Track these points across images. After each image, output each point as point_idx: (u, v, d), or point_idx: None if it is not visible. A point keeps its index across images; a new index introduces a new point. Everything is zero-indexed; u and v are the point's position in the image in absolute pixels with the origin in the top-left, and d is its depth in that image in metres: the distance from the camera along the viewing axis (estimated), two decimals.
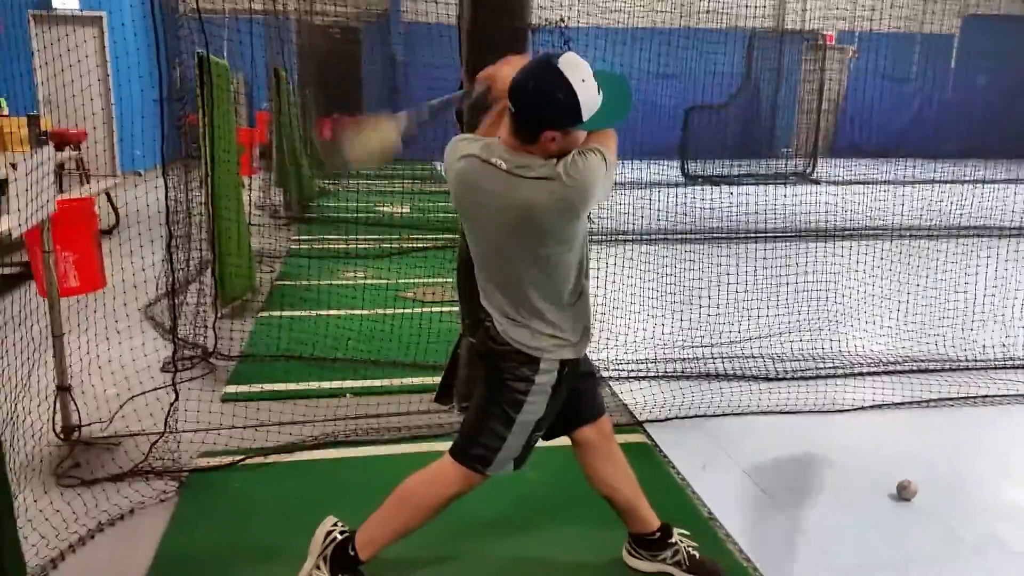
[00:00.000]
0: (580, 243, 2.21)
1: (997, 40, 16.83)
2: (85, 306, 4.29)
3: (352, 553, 2.45)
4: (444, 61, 7.73)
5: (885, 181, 12.26)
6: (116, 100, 12.31)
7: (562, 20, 4.07)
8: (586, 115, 2.05)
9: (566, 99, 2.01)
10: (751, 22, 14.87)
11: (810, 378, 4.49)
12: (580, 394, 2.49)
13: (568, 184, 2.04)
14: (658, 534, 2.63)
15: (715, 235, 8.33)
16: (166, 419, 3.41)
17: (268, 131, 10.30)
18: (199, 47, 4.89)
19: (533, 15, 3.78)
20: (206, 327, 4.76)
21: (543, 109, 2.04)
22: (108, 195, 8.08)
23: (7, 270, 6.19)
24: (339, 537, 2.49)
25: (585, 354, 2.48)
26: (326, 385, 4.23)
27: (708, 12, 12.50)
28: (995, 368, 4.71)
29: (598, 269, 5.54)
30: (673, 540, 2.64)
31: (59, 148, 8.09)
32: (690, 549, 2.65)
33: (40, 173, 2.99)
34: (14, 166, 2.76)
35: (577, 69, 2.03)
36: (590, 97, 2.04)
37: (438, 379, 4.07)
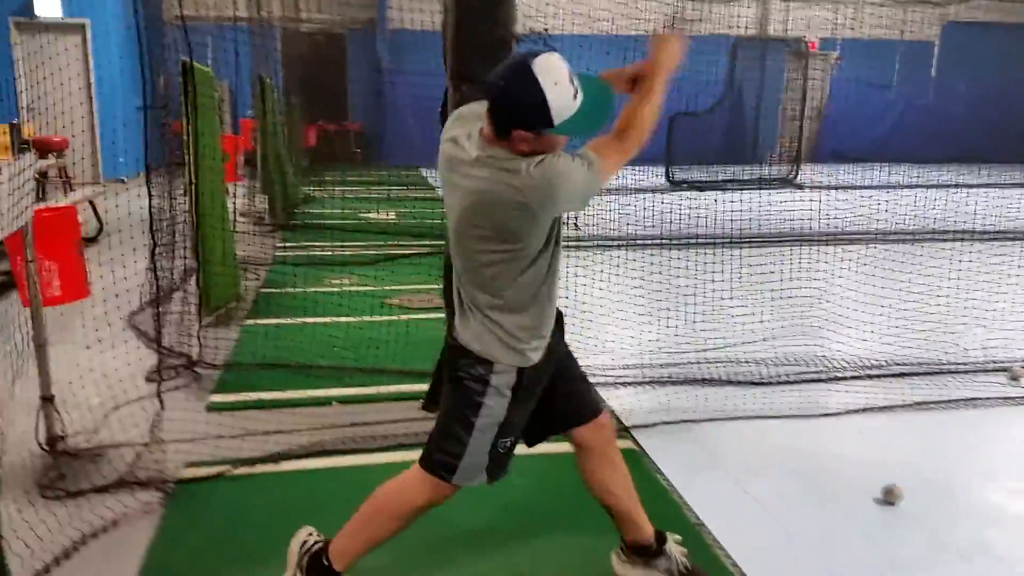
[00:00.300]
0: (536, 247, 2.12)
1: (977, 47, 17.04)
2: (68, 315, 4.26)
3: (326, 563, 2.40)
4: (429, 68, 7.75)
5: (867, 186, 12.37)
6: (99, 107, 12.26)
7: (545, 30, 4.07)
8: (557, 119, 1.99)
9: (536, 102, 1.97)
10: (734, 30, 14.99)
11: (796, 382, 4.51)
12: (567, 397, 2.44)
13: (527, 180, 1.99)
14: (653, 542, 2.59)
15: (700, 240, 8.36)
16: (151, 429, 3.39)
17: (252, 138, 10.27)
18: (183, 54, 4.88)
19: (518, 24, 3.79)
20: (191, 336, 4.74)
21: (513, 109, 2.00)
22: (92, 203, 8.02)
23: None
24: (314, 548, 2.45)
25: (568, 356, 2.47)
26: (312, 393, 4.22)
27: (692, 20, 12.56)
28: (978, 371, 4.75)
29: (584, 276, 5.57)
30: (667, 547, 2.62)
31: (42, 155, 8.03)
32: (683, 558, 2.63)
33: (20, 180, 2.97)
34: None
35: (551, 72, 1.98)
36: (563, 102, 1.99)
37: (425, 386, 4.07)
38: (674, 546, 2.65)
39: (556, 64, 2.00)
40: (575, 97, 2.02)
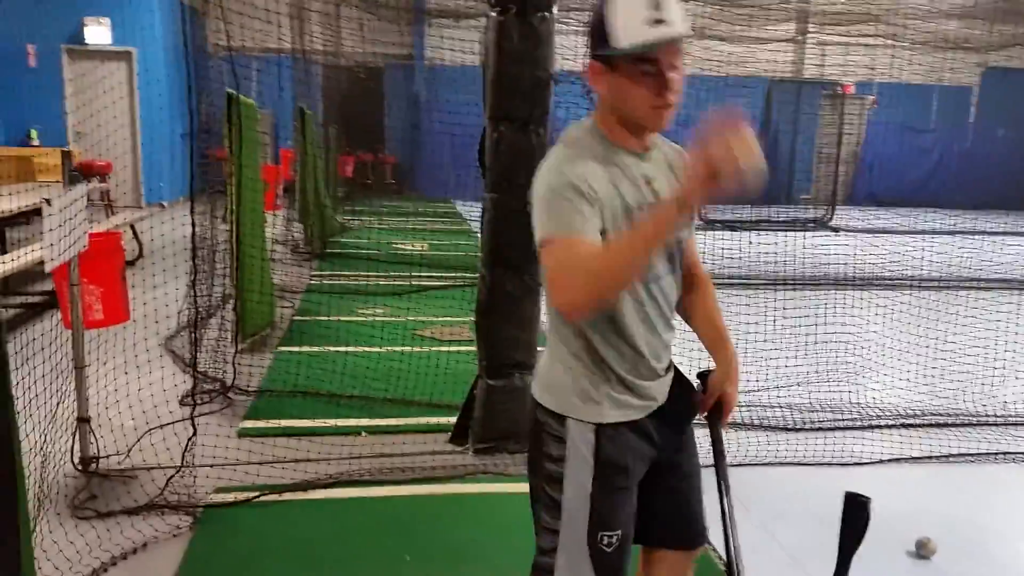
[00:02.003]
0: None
1: (1017, 93, 16.89)
2: (106, 337, 4.34)
3: None
4: (464, 102, 7.86)
5: (904, 231, 12.23)
6: (143, 133, 12.57)
7: (584, 71, 4.11)
8: (616, 38, 1.59)
9: (596, 12, 1.64)
10: (769, 72, 15.02)
11: (828, 429, 4.45)
12: (673, 496, 1.96)
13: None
14: None
15: (733, 281, 8.32)
16: (183, 454, 3.43)
17: (292, 168, 10.46)
18: (227, 85, 5.00)
19: (555, 64, 3.85)
20: (226, 361, 4.80)
21: (588, 36, 1.69)
22: (132, 227, 8.20)
23: (32, 299, 6.27)
24: None
25: (688, 443, 1.99)
26: (342, 423, 4.24)
27: (728, 62, 12.64)
28: (1016, 424, 4.65)
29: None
30: None
31: (86, 179, 8.25)
32: None
33: (73, 210, 3.06)
34: (48, 201, 2.83)
35: None
36: (627, 12, 1.59)
37: (454, 419, 4.08)
38: None
39: None
40: (655, 23, 1.57)
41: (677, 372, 1.97)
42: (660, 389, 1.87)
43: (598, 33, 1.63)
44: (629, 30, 1.58)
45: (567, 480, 1.77)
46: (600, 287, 1.57)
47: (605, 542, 1.79)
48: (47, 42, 12.00)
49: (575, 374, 1.77)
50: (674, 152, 1.86)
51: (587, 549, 1.79)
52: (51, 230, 2.94)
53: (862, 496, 1.90)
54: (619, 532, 1.80)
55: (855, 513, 1.85)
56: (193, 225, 4.00)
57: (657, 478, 1.90)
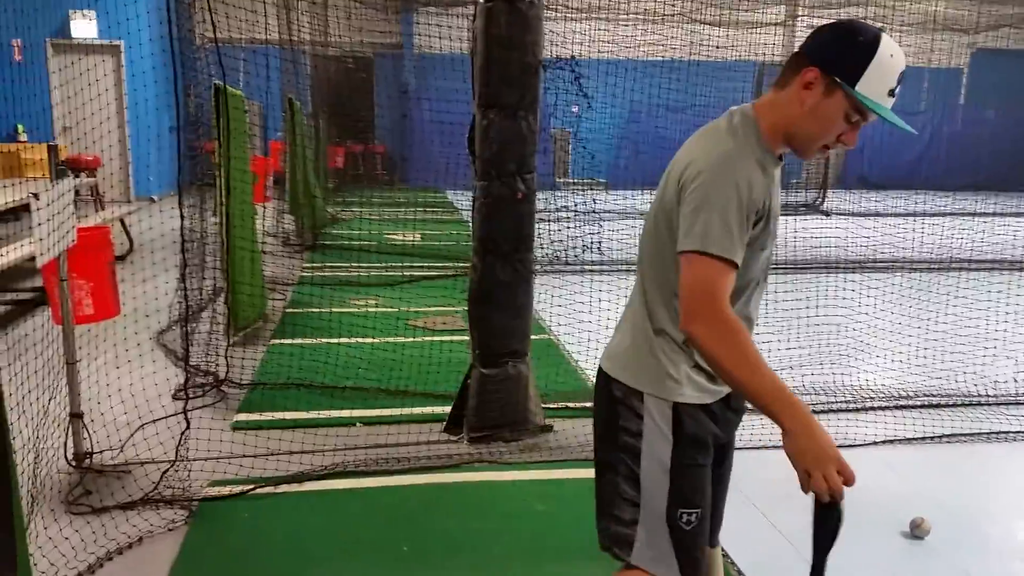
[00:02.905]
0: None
1: (1006, 74, 16.91)
2: (97, 332, 4.33)
3: None
4: (454, 91, 7.83)
5: (895, 213, 12.26)
6: (131, 127, 12.49)
7: (572, 56, 4.11)
8: (864, 85, 1.63)
9: (859, 43, 1.63)
10: (760, 55, 14.98)
11: (821, 412, 4.46)
12: (717, 487, 1.98)
13: (688, 166, 1.71)
14: None
15: None
16: (177, 448, 3.42)
17: (282, 160, 10.41)
18: (215, 77, 4.96)
19: (544, 51, 3.83)
20: (218, 355, 4.78)
21: (830, 38, 1.68)
22: (122, 221, 8.16)
23: (21, 296, 6.24)
24: None
25: (725, 424, 1.94)
26: (336, 414, 4.24)
27: (718, 46, 12.61)
28: (1008, 404, 4.68)
29: (609, 300, 5.57)
30: None
31: (74, 174, 8.19)
32: None
33: (61, 204, 3.03)
34: (36, 196, 2.80)
35: (895, 50, 1.65)
36: (882, 78, 1.63)
37: (448, 409, 4.08)
38: None
39: (899, 53, 1.67)
40: (890, 95, 1.65)
41: None
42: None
43: (852, 62, 1.63)
44: (875, 86, 1.63)
45: (644, 455, 1.80)
46: (724, 358, 1.60)
47: (684, 519, 1.80)
48: (32, 36, 11.89)
49: (661, 357, 1.79)
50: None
51: (666, 525, 1.80)
52: (39, 225, 2.92)
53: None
54: (698, 510, 1.82)
55: (826, 513, 1.85)
56: (182, 218, 3.98)
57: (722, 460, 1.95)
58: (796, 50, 1.74)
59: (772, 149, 1.75)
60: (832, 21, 1.73)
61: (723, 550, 3.05)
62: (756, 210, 1.68)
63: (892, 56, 1.63)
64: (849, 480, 1.63)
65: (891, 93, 1.65)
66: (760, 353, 1.62)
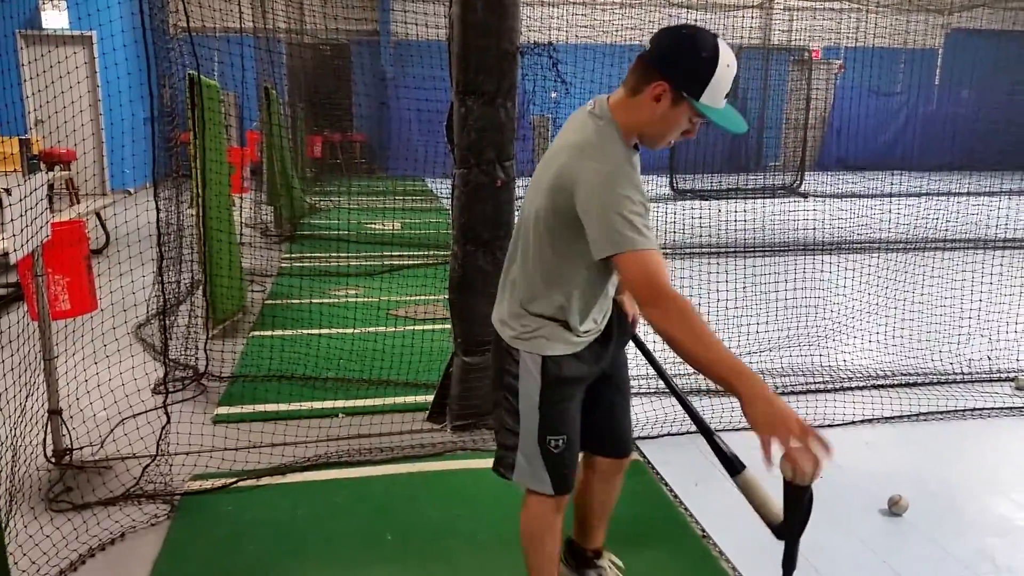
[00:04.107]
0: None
1: (980, 54, 17.04)
2: (75, 328, 4.29)
3: None
4: (432, 79, 7.79)
5: (872, 195, 12.37)
6: (105, 119, 12.33)
7: (550, 42, 4.11)
8: (708, 96, 1.87)
9: (703, 60, 1.84)
10: (737, 38, 15.01)
11: (800, 392, 4.51)
12: (609, 409, 2.39)
13: (570, 159, 1.95)
14: (591, 553, 2.66)
15: (704, 250, 8.37)
16: (158, 442, 3.41)
17: (259, 150, 10.32)
18: (189, 67, 4.91)
19: (521, 37, 3.82)
20: (197, 348, 4.76)
21: (675, 53, 1.88)
22: (98, 215, 8.07)
23: None
24: None
25: (621, 363, 2.42)
26: (318, 405, 4.23)
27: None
28: (982, 381, 4.75)
29: None
30: (601, 563, 2.66)
31: (48, 168, 8.08)
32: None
33: (34, 199, 3.00)
34: (7, 191, 2.77)
35: (730, 58, 1.88)
36: (720, 87, 1.87)
37: (431, 398, 4.08)
38: (611, 565, 2.67)
39: (732, 58, 1.90)
40: (725, 99, 1.91)
41: (615, 305, 2.34)
42: (599, 329, 2.24)
43: (696, 79, 1.86)
44: (716, 96, 1.89)
45: (520, 394, 2.18)
46: (678, 337, 1.79)
47: (552, 444, 2.20)
48: (2, 28, 11.68)
49: (532, 324, 2.14)
50: None
51: (539, 449, 2.20)
52: (12, 220, 2.89)
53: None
54: (564, 436, 2.20)
55: (797, 497, 1.90)
56: (158, 211, 3.94)
57: (597, 393, 2.32)
58: (642, 54, 1.97)
59: (628, 143, 2.01)
60: (674, 28, 1.95)
61: (704, 530, 3.09)
62: (645, 198, 1.93)
63: (728, 66, 1.87)
64: (828, 450, 1.74)
65: (725, 96, 1.91)
66: (711, 330, 1.81)
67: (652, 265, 1.82)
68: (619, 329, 2.34)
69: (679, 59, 1.88)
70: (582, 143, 1.96)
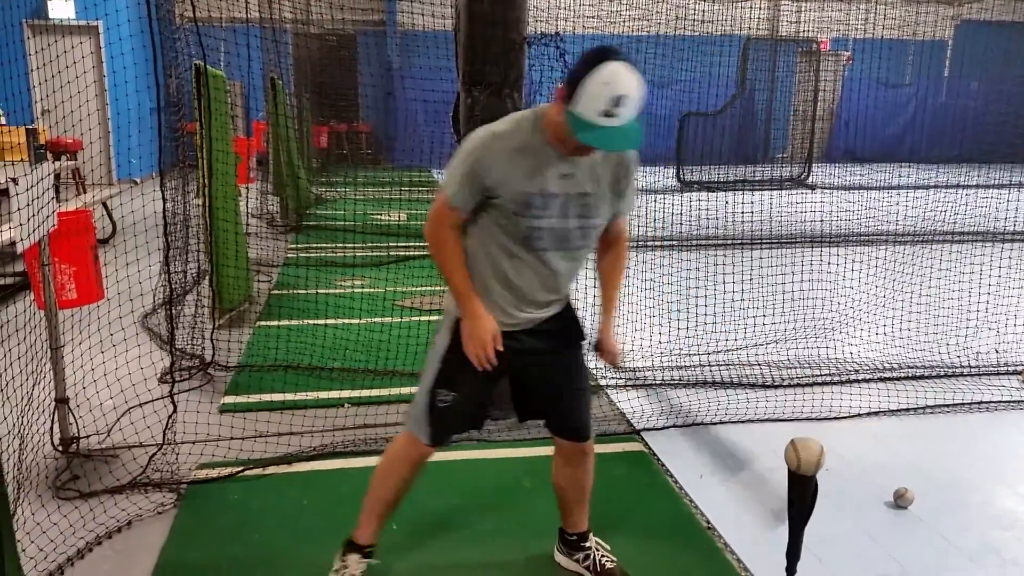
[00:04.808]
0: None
1: (990, 45, 16.92)
2: (82, 317, 4.30)
3: (353, 540, 2.62)
4: (439, 69, 7.76)
5: (880, 187, 12.31)
6: (112, 109, 12.33)
7: (557, 33, 4.08)
8: (577, 104, 2.03)
9: (579, 71, 2.03)
10: (745, 29, 14.94)
11: (806, 385, 4.50)
12: (553, 403, 2.53)
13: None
14: (575, 537, 2.74)
15: (711, 241, 8.35)
16: (164, 431, 3.41)
17: (265, 140, 10.32)
18: (195, 57, 4.91)
19: (528, 27, 3.80)
20: (204, 337, 4.77)
21: (577, 63, 2.08)
22: (104, 204, 8.08)
23: (4, 280, 6.19)
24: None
25: (565, 369, 2.50)
26: (324, 395, 4.24)
27: (702, 20, 12.56)
28: (989, 374, 4.73)
29: (595, 277, 5.57)
30: (587, 545, 2.73)
31: (55, 157, 8.10)
32: (603, 559, 2.72)
33: (41, 188, 3.00)
34: (14, 180, 2.77)
35: (611, 76, 2.00)
36: (592, 103, 2.01)
37: None
38: (598, 547, 2.75)
39: (619, 79, 2.01)
40: (606, 115, 2.02)
41: (568, 310, 2.50)
42: (525, 318, 2.39)
43: (572, 85, 2.04)
44: (586, 107, 2.02)
45: (435, 345, 2.44)
46: (436, 258, 2.35)
47: (439, 398, 2.40)
48: (9, 17, 11.69)
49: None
50: (611, 159, 2.29)
51: (427, 399, 2.42)
52: (19, 210, 2.89)
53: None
54: (454, 395, 2.40)
55: (802, 488, 1.91)
56: (164, 201, 3.94)
57: (537, 376, 2.49)
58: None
59: (554, 144, 2.19)
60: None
61: (708, 522, 3.09)
62: (483, 180, 2.21)
63: (607, 84, 1.99)
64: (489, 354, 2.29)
65: (607, 114, 2.01)
66: (460, 266, 2.31)
67: (438, 206, 2.29)
68: (557, 325, 2.45)
69: (575, 65, 2.08)
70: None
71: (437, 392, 2.40)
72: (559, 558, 2.80)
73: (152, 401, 3.97)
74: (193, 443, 3.61)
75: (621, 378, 4.53)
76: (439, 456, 3.57)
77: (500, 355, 2.32)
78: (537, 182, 2.21)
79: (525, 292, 2.34)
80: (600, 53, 2.04)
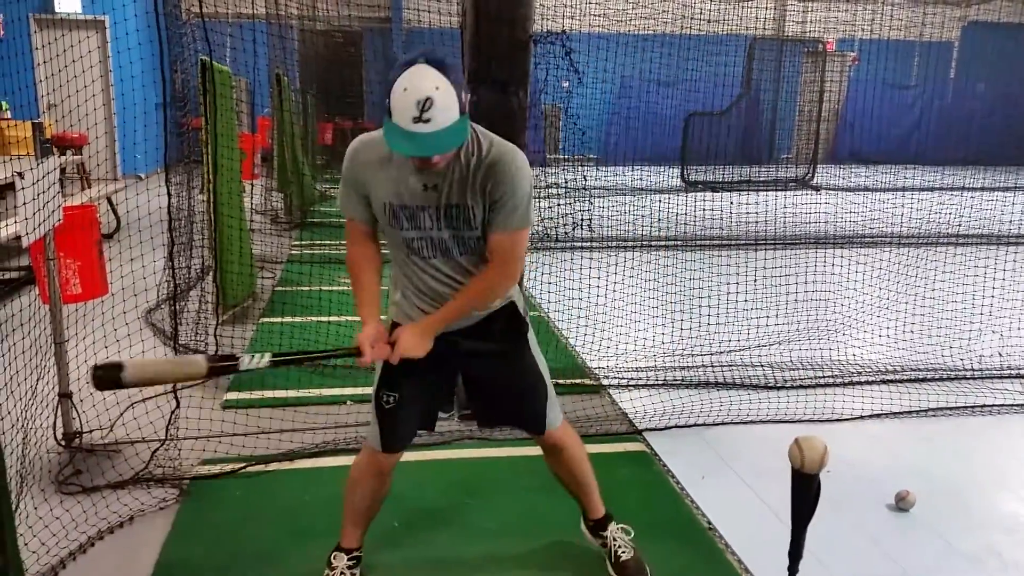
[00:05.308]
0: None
1: (997, 47, 16.88)
2: (86, 311, 4.30)
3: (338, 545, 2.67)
4: None
5: (884, 188, 12.29)
6: (117, 103, 12.34)
7: (563, 30, 4.08)
8: (391, 115, 2.03)
9: (388, 81, 2.04)
10: (751, 29, 14.92)
11: (809, 387, 4.50)
12: (503, 403, 2.60)
13: None
14: (592, 523, 2.80)
15: (715, 242, 8.35)
16: (167, 427, 3.42)
17: (270, 136, 10.32)
18: (202, 52, 4.91)
19: (534, 25, 3.80)
20: (207, 333, 4.77)
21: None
22: (109, 199, 8.10)
23: (8, 275, 6.20)
24: None
25: (500, 368, 2.52)
26: (326, 392, 4.25)
27: (709, 20, 12.54)
28: (993, 377, 4.72)
29: (598, 277, 5.57)
30: (605, 533, 2.77)
31: (60, 152, 8.11)
32: (619, 550, 2.72)
33: (47, 183, 3.01)
34: (20, 175, 2.78)
35: (413, 80, 1.98)
36: (399, 107, 2.00)
37: None
38: (616, 535, 2.76)
39: (417, 82, 1.98)
40: (417, 121, 1.99)
41: (506, 308, 2.49)
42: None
43: (386, 95, 2.04)
44: (401, 120, 2.01)
45: None
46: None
47: (384, 399, 2.45)
48: (15, 11, 11.70)
49: (392, 292, 2.49)
50: (484, 165, 2.23)
51: (375, 401, 2.48)
52: (25, 204, 2.89)
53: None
54: (396, 395, 2.44)
55: (805, 486, 1.91)
56: (169, 196, 3.95)
57: (482, 376, 2.55)
58: None
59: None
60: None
61: (710, 523, 3.09)
62: (359, 189, 2.28)
63: (405, 90, 1.98)
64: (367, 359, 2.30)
65: (418, 120, 1.99)
66: (357, 278, 2.41)
67: (346, 227, 2.40)
68: (493, 339, 2.48)
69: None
70: None
71: (381, 393, 2.45)
72: (583, 530, 2.86)
73: (155, 397, 3.98)
74: (196, 439, 3.61)
75: (623, 378, 4.53)
76: (443, 454, 3.59)
77: (429, 355, 2.32)
78: (399, 194, 2.22)
79: (435, 296, 2.36)
80: (407, 59, 2.02)
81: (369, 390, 4.23)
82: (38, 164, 3.02)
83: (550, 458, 2.70)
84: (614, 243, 7.96)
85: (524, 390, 2.58)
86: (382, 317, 2.41)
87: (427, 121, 1.99)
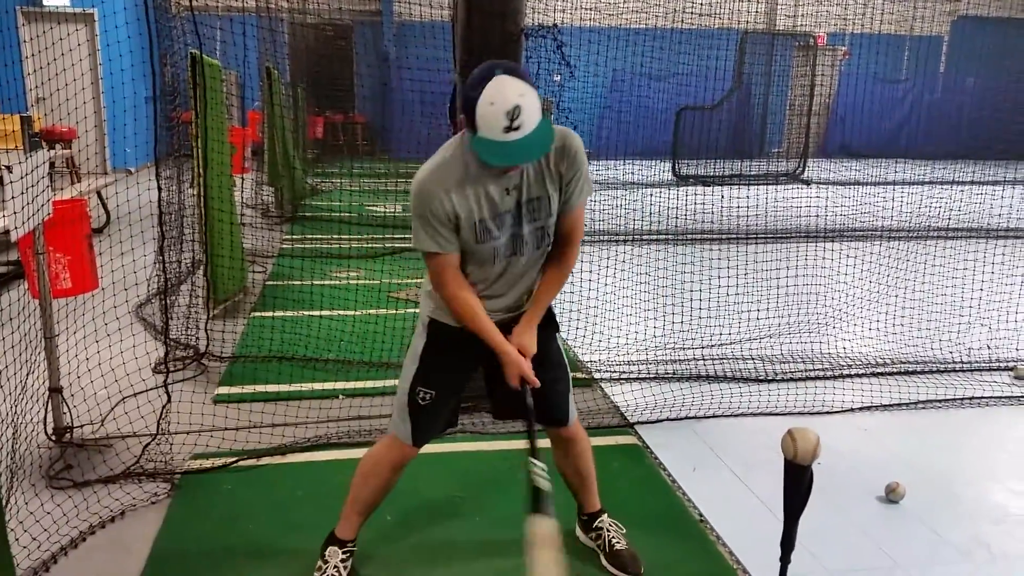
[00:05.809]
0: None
1: (986, 41, 16.93)
2: (76, 306, 4.29)
3: (334, 534, 2.67)
4: (435, 60, 7.75)
5: (875, 182, 12.34)
6: (107, 97, 12.27)
7: (555, 24, 4.07)
8: (479, 130, 2.07)
9: (468, 101, 2.08)
10: (742, 23, 14.93)
11: (799, 379, 4.52)
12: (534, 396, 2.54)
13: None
14: (587, 517, 2.83)
15: (706, 236, 8.37)
16: (158, 421, 3.41)
17: (260, 130, 10.28)
18: (191, 45, 4.88)
19: (526, 19, 3.79)
20: (198, 328, 4.76)
21: (460, 91, 2.21)
22: (99, 194, 8.05)
23: None
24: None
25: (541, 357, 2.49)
26: (318, 386, 4.24)
27: (700, 13, 12.54)
28: (981, 370, 4.76)
29: (590, 271, 5.58)
30: (598, 525, 2.81)
31: (49, 146, 8.06)
32: (613, 540, 2.76)
33: (35, 177, 2.99)
34: (9, 168, 2.76)
35: (497, 92, 2.02)
36: (489, 121, 2.04)
37: None
38: (610, 527, 2.81)
39: (503, 92, 2.03)
40: (508, 131, 2.03)
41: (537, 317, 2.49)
42: (496, 318, 2.42)
43: (470, 114, 2.08)
44: (490, 132, 2.05)
45: (409, 350, 2.54)
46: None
47: (420, 395, 2.47)
48: (2, 4, 11.60)
49: (426, 298, 2.52)
50: (554, 150, 2.27)
51: (407, 398, 2.48)
52: (13, 198, 2.88)
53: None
54: (433, 392, 2.47)
55: (797, 477, 1.93)
56: (159, 190, 3.93)
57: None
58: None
59: (482, 167, 2.19)
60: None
61: (701, 515, 3.10)
62: (444, 217, 2.26)
63: (492, 104, 2.02)
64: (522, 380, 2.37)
65: (509, 129, 2.03)
66: (477, 314, 2.34)
67: (431, 267, 2.37)
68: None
69: (461, 98, 2.17)
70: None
71: (418, 390, 2.47)
72: (578, 533, 2.88)
73: (146, 391, 3.97)
74: (187, 433, 3.61)
75: (615, 372, 4.55)
76: (436, 447, 3.58)
77: (468, 354, 2.42)
78: (486, 207, 2.25)
79: (504, 295, 2.43)
80: (482, 73, 2.07)
81: (362, 384, 4.26)
82: (27, 158, 3.01)
83: (560, 451, 2.72)
84: (605, 237, 7.96)
85: (554, 381, 2.58)
86: (422, 313, 2.51)
87: (518, 128, 2.04)
